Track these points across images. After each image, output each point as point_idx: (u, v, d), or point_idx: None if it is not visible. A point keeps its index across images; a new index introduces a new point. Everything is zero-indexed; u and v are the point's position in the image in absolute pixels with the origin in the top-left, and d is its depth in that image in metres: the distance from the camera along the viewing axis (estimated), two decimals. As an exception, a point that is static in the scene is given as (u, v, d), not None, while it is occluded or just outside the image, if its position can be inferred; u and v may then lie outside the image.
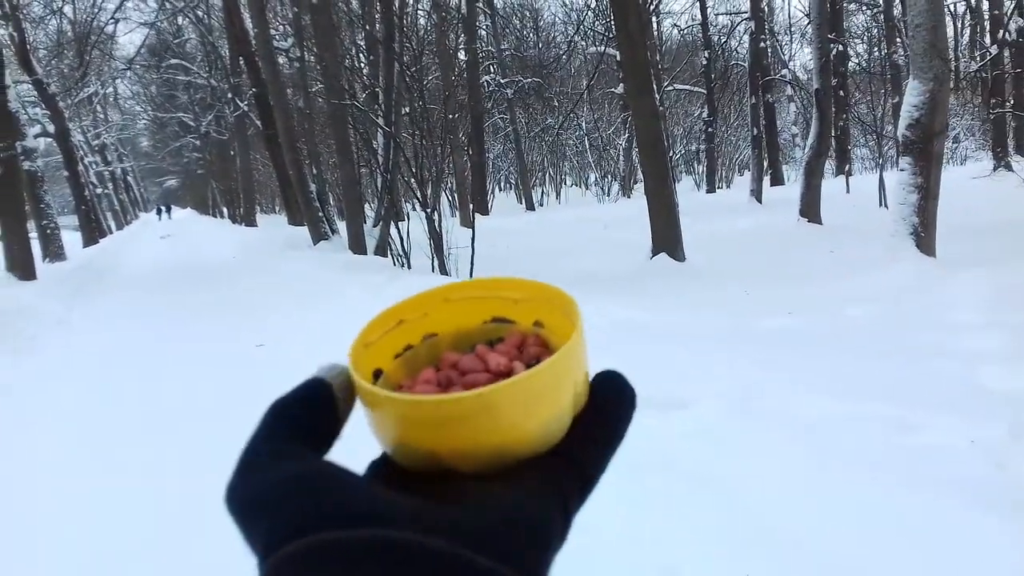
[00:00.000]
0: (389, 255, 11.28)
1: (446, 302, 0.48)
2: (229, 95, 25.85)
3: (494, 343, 0.46)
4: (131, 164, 51.61)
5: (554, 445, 0.40)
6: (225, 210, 34.80)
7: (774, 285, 7.56)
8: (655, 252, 10.08)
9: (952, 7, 27.48)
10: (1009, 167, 19.40)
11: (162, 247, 20.62)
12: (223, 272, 9.95)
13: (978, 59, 21.99)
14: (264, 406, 0.40)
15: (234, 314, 7.25)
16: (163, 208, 55.90)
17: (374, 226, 13.32)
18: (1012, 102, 22.65)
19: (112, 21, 25.58)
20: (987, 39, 23.79)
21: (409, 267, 10.27)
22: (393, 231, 10.87)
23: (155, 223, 44.55)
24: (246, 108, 24.01)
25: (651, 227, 10.17)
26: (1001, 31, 20.04)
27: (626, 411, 0.43)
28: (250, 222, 27.57)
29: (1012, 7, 20.28)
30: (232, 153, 30.53)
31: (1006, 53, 20.99)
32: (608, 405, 0.43)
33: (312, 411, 0.41)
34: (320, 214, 14.39)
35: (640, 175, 23.18)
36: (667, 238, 10.06)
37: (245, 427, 0.39)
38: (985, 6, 23.92)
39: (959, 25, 31.33)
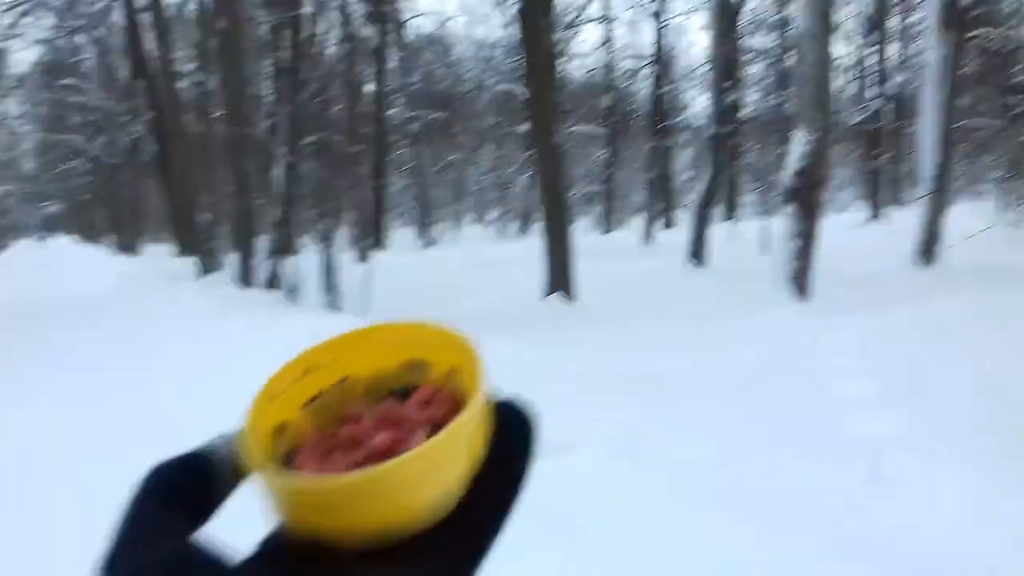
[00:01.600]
0: (279, 289, 11.00)
1: (360, 345, 0.47)
2: (124, 118, 25.01)
3: (408, 391, 0.45)
4: (12, 187, 49.16)
5: (451, 511, 0.39)
6: (111, 238, 33.54)
7: (661, 326, 7.70)
8: (550, 291, 10.16)
9: (841, 61, 29.04)
10: (883, 217, 20.50)
11: (38, 276, 19.59)
12: (98, 305, 9.46)
13: (861, 111, 23.27)
14: (137, 448, 0.38)
15: (104, 349, 6.89)
16: (43, 234, 53.31)
17: (266, 259, 13.01)
18: (891, 154, 24.05)
19: (4, 38, 24.37)
20: (870, 93, 25.21)
21: (299, 303, 10.05)
22: (286, 264, 10.63)
23: (33, 250, 42.32)
24: (141, 133, 23.25)
25: (547, 266, 10.26)
26: (885, 85, 21.28)
27: (527, 456, 0.42)
28: (136, 251, 26.60)
29: (896, 63, 21.59)
30: (122, 179, 29.50)
31: (888, 106, 22.27)
32: (508, 459, 0.41)
33: (193, 482, 0.40)
34: (209, 245, 13.97)
35: (540, 214, 23.42)
36: (562, 278, 10.16)
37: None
38: (871, 61, 25.36)
39: (844, 79, 33.14)
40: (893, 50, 24.44)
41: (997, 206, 14.63)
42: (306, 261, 10.15)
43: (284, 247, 11.67)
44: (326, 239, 9.90)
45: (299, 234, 15.96)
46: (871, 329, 6.40)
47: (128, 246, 26.60)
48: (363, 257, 14.62)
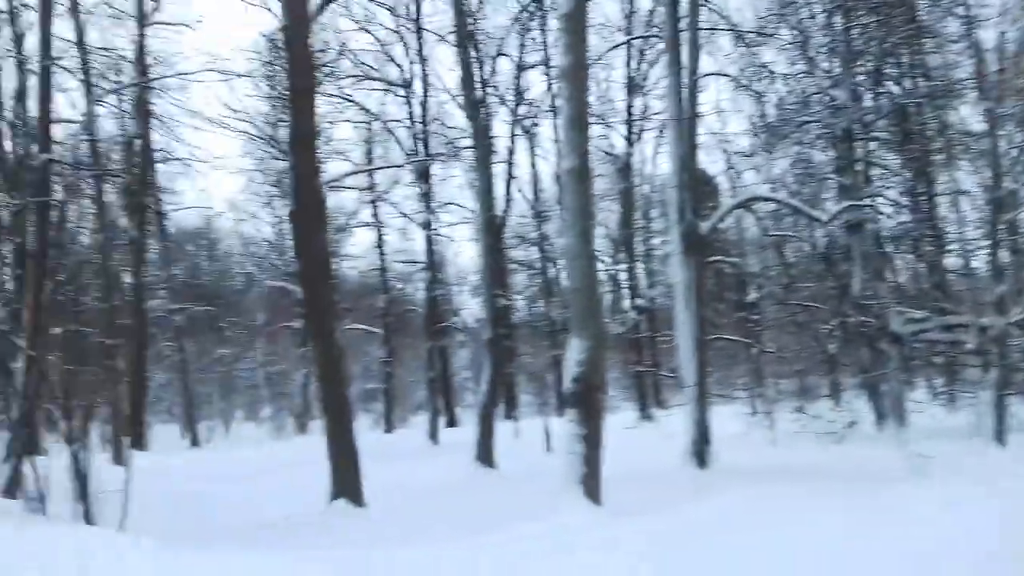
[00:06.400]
0: (21, 498, 9.56)
1: None
2: None
3: None
4: None
5: None
6: None
7: (453, 534, 7.45)
8: (334, 496, 9.64)
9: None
10: (651, 418, 21.87)
11: None
12: None
13: (620, 322, 25.24)
14: None
15: None
16: None
17: (4, 461, 11.39)
18: (649, 361, 26.03)
19: None
20: (626, 304, 27.52)
21: (45, 513, 8.74)
22: (29, 467, 9.29)
23: None
24: None
25: (331, 470, 9.78)
26: (638, 299, 23.36)
27: None
28: None
29: (645, 281, 23.91)
30: None
31: (642, 318, 24.35)
32: None
33: None
34: (-65, 446, 12.02)
35: (316, 411, 22.74)
36: (346, 482, 9.69)
37: None
38: (622, 278, 27.89)
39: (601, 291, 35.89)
40: (639, 268, 27.04)
41: (751, 411, 16.08)
42: (53, 465, 8.93)
43: (27, 448, 10.31)
44: (77, 439, 8.81)
45: (45, 433, 14.30)
46: (662, 531, 6.54)
47: None
48: (119, 458, 13.24)
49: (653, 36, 18.05)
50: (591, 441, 8.52)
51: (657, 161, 28.55)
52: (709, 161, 24.21)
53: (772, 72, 16.12)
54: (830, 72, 16.11)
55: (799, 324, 15.53)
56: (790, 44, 16.22)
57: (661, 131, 25.14)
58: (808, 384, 16.37)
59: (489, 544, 6.86)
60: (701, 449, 12.29)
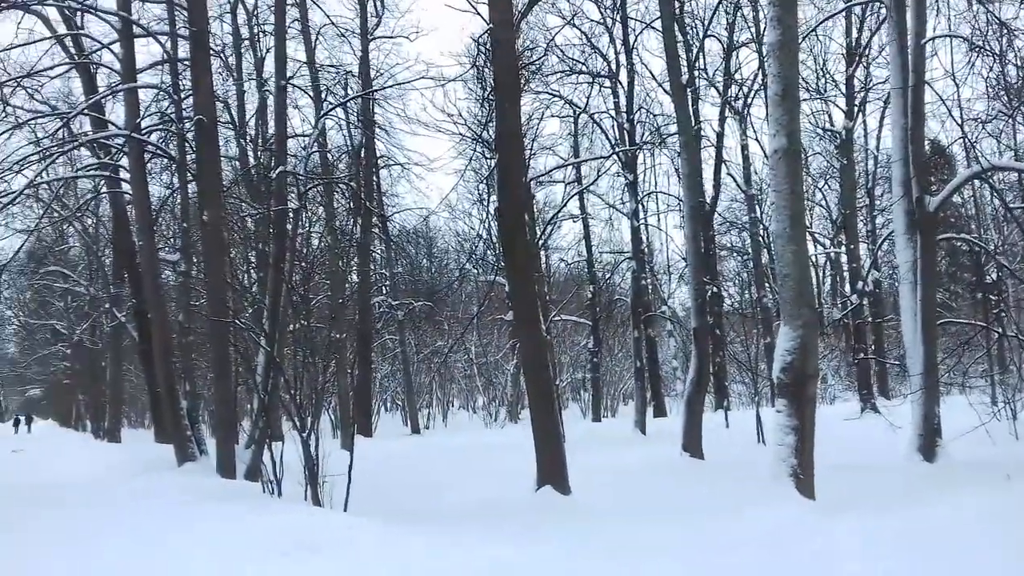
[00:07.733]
0: (260, 481, 10.56)
1: None
2: (107, 305, 25.06)
3: None
4: (-7, 370, 48.46)
5: None
6: (89, 424, 32.83)
7: (658, 525, 7.34)
8: (540, 484, 9.79)
9: (814, 259, 29.98)
10: (875, 409, 20.46)
11: (9, 463, 18.92)
12: (65, 495, 8.99)
13: (840, 307, 23.81)
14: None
15: (61, 549, 6.40)
16: (21, 419, 51.96)
17: (246, 447, 12.59)
18: (873, 347, 24.33)
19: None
20: (847, 288, 25.91)
21: (280, 495, 9.58)
22: (267, 455, 10.23)
23: (10, 435, 41.17)
24: (123, 319, 23.26)
25: (536, 458, 9.95)
26: (860, 282, 21.88)
27: None
28: (114, 438, 25.88)
29: (869, 263, 22.33)
30: (103, 364, 29.18)
31: (865, 302, 22.79)
32: None
33: None
34: (189, 433, 13.53)
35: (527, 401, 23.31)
36: (552, 470, 9.82)
37: None
38: (843, 260, 26.26)
39: (821, 275, 34.18)
40: (862, 249, 25.36)
41: (989, 401, 14.63)
42: (288, 450, 9.76)
43: (265, 435, 11.33)
44: (308, 427, 9.56)
45: (281, 422, 15.64)
46: (881, 528, 6.08)
47: (108, 431, 25.96)
48: (347, 445, 14.25)
49: (875, 0, 16.79)
50: (802, 432, 8.14)
51: (881, 134, 26.84)
52: (941, 131, 22.32)
53: (1012, 30, 14.48)
54: (1082, 24, 14.30)
55: (1047, 305, 13.90)
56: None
57: (885, 102, 23.56)
58: (1058, 371, 14.67)
59: (691, 535, 6.70)
60: (929, 442, 11.39)
